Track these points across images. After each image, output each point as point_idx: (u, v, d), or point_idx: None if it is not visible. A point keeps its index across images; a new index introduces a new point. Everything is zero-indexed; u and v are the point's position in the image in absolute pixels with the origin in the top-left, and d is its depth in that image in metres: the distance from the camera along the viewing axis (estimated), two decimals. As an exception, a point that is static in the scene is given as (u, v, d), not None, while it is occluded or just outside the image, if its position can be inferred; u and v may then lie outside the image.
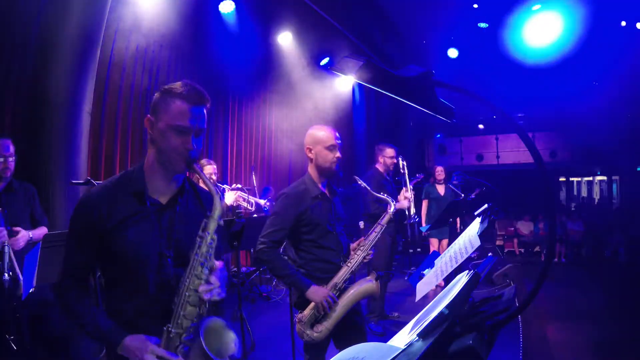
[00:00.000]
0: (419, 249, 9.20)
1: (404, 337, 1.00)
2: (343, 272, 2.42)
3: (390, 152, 4.77)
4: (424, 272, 2.11)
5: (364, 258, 2.51)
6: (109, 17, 4.08)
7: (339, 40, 8.08)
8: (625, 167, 12.31)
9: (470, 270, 1.08)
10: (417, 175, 6.84)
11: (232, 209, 5.36)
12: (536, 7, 8.57)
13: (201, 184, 1.67)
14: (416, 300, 1.91)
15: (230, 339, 1.37)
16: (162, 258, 1.41)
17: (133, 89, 5.26)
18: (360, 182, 3.17)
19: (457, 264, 1.76)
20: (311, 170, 2.51)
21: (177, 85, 1.41)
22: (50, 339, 2.99)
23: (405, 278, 6.71)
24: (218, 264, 1.41)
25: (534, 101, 10.98)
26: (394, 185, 4.98)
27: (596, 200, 16.62)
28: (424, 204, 6.79)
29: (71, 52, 3.56)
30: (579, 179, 17.07)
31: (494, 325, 0.92)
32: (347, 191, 6.73)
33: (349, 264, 2.45)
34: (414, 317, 1.08)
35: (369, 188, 3.15)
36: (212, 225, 1.37)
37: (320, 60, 8.18)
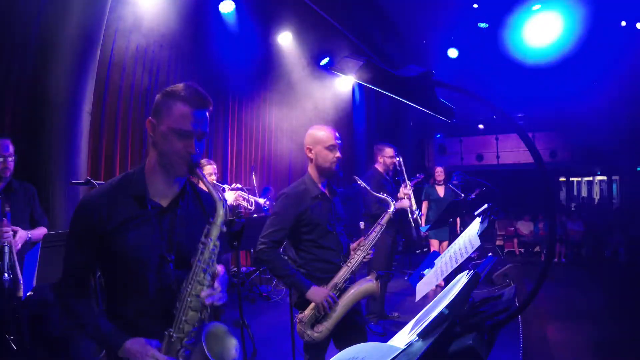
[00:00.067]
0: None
1: (404, 337, 1.00)
2: (343, 272, 2.42)
3: (389, 151, 4.77)
4: (424, 272, 2.11)
5: (364, 258, 2.51)
6: (109, 17, 4.09)
7: (339, 40, 8.08)
8: (625, 167, 12.31)
9: (470, 270, 1.08)
10: (417, 175, 6.84)
11: (232, 209, 5.36)
12: (536, 7, 8.57)
13: (201, 185, 1.67)
14: (416, 300, 1.91)
15: (232, 345, 1.37)
16: (162, 261, 1.41)
17: (133, 89, 5.26)
18: (360, 182, 3.17)
19: (457, 264, 1.76)
20: (311, 170, 2.51)
21: (180, 88, 1.39)
22: (50, 339, 2.99)
23: (405, 278, 6.71)
24: (220, 269, 1.40)
25: (534, 101, 10.98)
26: (393, 185, 4.99)
27: (596, 200, 16.62)
28: (424, 205, 6.79)
29: (71, 52, 3.56)
30: (579, 179, 17.08)
31: (494, 325, 0.92)
32: (347, 191, 6.73)
33: (349, 264, 2.45)
34: (414, 317, 1.08)
35: (368, 188, 3.15)
36: (215, 232, 1.36)
37: (320, 60, 8.18)
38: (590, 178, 17.04)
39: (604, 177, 15.87)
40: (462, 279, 1.05)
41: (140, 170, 1.46)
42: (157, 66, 5.56)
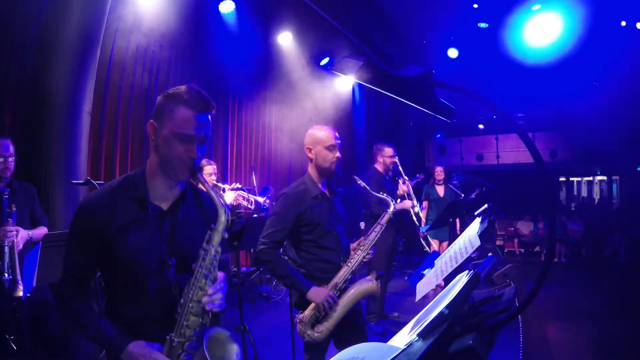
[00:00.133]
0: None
1: (404, 337, 1.00)
2: (343, 272, 2.43)
3: (389, 151, 4.77)
4: (424, 272, 2.11)
5: (364, 258, 2.51)
6: (109, 17, 4.08)
7: (339, 40, 8.08)
8: (625, 167, 12.31)
9: (470, 270, 1.08)
10: (417, 175, 6.84)
11: (231, 209, 5.36)
12: (536, 7, 8.57)
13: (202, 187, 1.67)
14: (416, 300, 1.91)
15: (233, 351, 1.37)
16: (163, 264, 1.40)
17: (133, 89, 5.25)
18: (359, 182, 3.17)
19: (457, 264, 1.76)
20: (311, 170, 2.51)
21: (182, 91, 1.37)
22: (50, 339, 2.99)
23: (405, 278, 6.71)
24: (220, 275, 1.40)
25: (534, 101, 10.98)
26: (393, 185, 4.99)
27: (596, 200, 16.62)
28: (424, 205, 6.79)
29: (71, 52, 3.56)
30: (579, 179, 17.08)
31: (494, 325, 0.92)
32: (347, 191, 6.73)
33: (349, 264, 2.45)
34: (414, 317, 1.08)
35: (368, 188, 3.15)
36: (217, 238, 1.36)
37: (320, 60, 8.17)
38: (590, 178, 17.04)
39: (604, 177, 15.88)
40: (462, 279, 1.05)
41: (141, 172, 1.45)
42: (157, 66, 5.56)
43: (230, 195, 5.12)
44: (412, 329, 1.00)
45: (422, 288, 1.91)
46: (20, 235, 2.79)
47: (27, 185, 3.05)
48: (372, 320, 4.63)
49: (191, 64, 6.15)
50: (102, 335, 1.34)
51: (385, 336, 4.40)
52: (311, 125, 2.59)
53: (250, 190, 5.75)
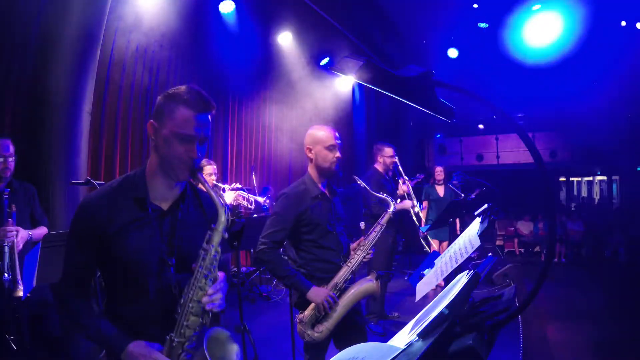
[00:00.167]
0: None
1: (404, 337, 1.00)
2: (343, 272, 2.43)
3: (389, 151, 4.77)
4: (424, 272, 2.11)
5: (364, 258, 2.51)
6: (109, 17, 4.08)
7: (339, 40, 8.08)
8: (625, 167, 12.31)
9: (470, 270, 1.08)
10: (417, 175, 6.83)
11: (231, 209, 5.36)
12: (536, 7, 8.57)
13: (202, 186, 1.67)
14: (416, 300, 1.91)
15: (233, 351, 1.37)
16: (163, 264, 1.40)
17: (133, 89, 5.25)
18: (359, 182, 3.17)
19: (457, 264, 1.76)
20: (311, 170, 2.51)
21: (182, 91, 1.37)
22: (50, 339, 2.99)
23: (405, 278, 6.71)
24: (220, 275, 1.40)
25: (534, 101, 10.99)
26: (393, 185, 4.99)
27: (596, 200, 16.63)
28: (424, 205, 6.79)
29: (71, 52, 3.56)
30: (579, 179, 17.08)
31: (494, 325, 0.92)
32: (347, 191, 6.73)
33: (349, 264, 2.45)
34: (414, 317, 1.08)
35: (368, 188, 3.15)
36: (217, 238, 1.36)
37: (320, 60, 8.17)
38: (590, 178, 17.05)
39: (604, 177, 15.88)
40: (462, 279, 1.05)
41: (141, 172, 1.45)
42: (157, 66, 5.56)
43: (230, 195, 5.12)
44: (412, 329, 1.00)
45: (422, 288, 1.91)
46: (20, 235, 2.79)
47: (27, 185, 3.05)
48: (372, 320, 4.63)
49: (191, 64, 6.15)
50: (102, 335, 1.34)
51: (385, 336, 4.40)
52: (311, 125, 2.59)
53: (250, 190, 5.75)
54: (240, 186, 5.32)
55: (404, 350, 0.91)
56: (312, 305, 2.35)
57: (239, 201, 5.40)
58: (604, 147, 11.01)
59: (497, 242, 10.77)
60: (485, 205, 2.11)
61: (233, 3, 6.17)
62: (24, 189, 3.01)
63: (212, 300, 1.34)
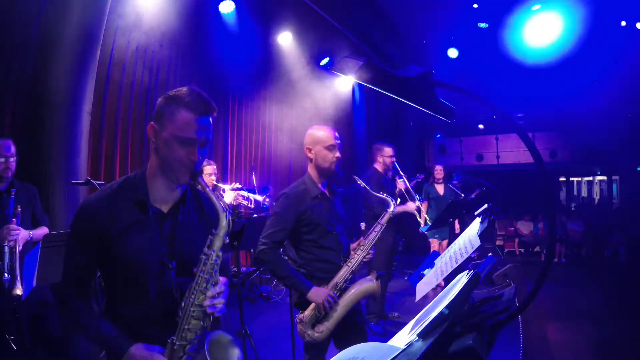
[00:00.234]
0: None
1: (404, 337, 1.00)
2: (343, 272, 2.43)
3: (389, 151, 4.77)
4: (424, 272, 2.11)
5: (364, 258, 2.51)
6: (109, 17, 4.08)
7: (339, 40, 8.08)
8: (625, 167, 12.31)
9: (470, 270, 1.08)
10: (417, 175, 6.83)
11: (232, 209, 5.36)
12: (536, 7, 8.57)
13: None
14: (416, 300, 1.92)
15: (235, 355, 1.37)
16: (163, 267, 1.40)
17: (133, 88, 5.25)
18: (359, 181, 3.17)
19: (457, 264, 1.76)
20: (311, 170, 2.51)
21: (183, 93, 1.36)
22: (50, 339, 2.98)
23: (405, 278, 6.71)
24: (222, 279, 1.40)
25: (534, 101, 10.99)
26: (393, 185, 4.99)
27: (596, 200, 16.63)
28: (424, 204, 6.78)
29: (71, 52, 3.55)
30: (579, 179, 17.09)
31: (494, 325, 0.92)
32: (347, 191, 6.73)
33: (349, 264, 2.45)
34: (414, 317, 1.08)
35: (368, 188, 3.15)
36: (218, 243, 1.35)
37: (320, 60, 8.17)
38: (590, 178, 17.05)
39: (604, 177, 15.88)
40: (462, 279, 1.05)
41: (142, 174, 1.44)
42: (157, 65, 5.56)
43: (230, 195, 5.13)
44: (412, 329, 1.00)
45: (422, 288, 1.91)
46: (21, 235, 2.80)
47: (28, 186, 3.05)
48: (372, 320, 4.63)
49: (191, 64, 6.15)
50: (102, 336, 1.34)
51: (385, 336, 4.40)
52: (311, 125, 2.59)
53: (251, 190, 5.75)
54: (240, 186, 5.32)
55: (404, 350, 0.91)
56: (312, 305, 2.35)
57: (239, 200, 5.41)
58: (604, 147, 11.00)
59: (497, 242, 10.76)
60: (485, 205, 2.11)
61: (233, 3, 6.17)
62: (25, 189, 3.01)
63: (214, 304, 1.34)
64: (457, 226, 5.89)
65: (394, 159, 4.82)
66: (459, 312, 0.93)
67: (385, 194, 2.95)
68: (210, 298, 1.34)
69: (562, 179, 15.81)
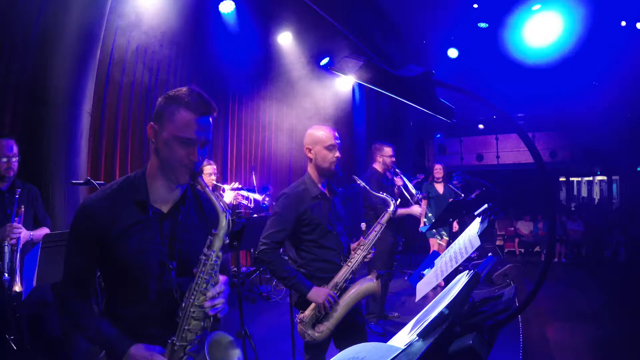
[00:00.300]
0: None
1: (404, 337, 1.00)
2: (344, 272, 2.43)
3: (388, 150, 4.76)
4: (424, 272, 2.12)
5: (365, 257, 2.51)
6: (109, 16, 4.08)
7: (339, 40, 8.07)
8: (625, 167, 12.32)
9: (470, 270, 1.08)
10: (418, 175, 6.82)
11: (232, 209, 5.36)
12: (536, 7, 8.57)
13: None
14: (416, 300, 1.92)
15: (235, 356, 1.37)
16: (163, 267, 1.40)
17: (133, 88, 5.26)
18: (359, 181, 3.17)
19: (457, 264, 1.76)
20: (311, 170, 2.51)
21: (183, 93, 1.36)
22: (50, 339, 2.98)
23: (405, 278, 6.71)
24: (222, 279, 1.40)
25: (534, 101, 10.99)
26: (393, 185, 4.98)
27: (596, 200, 16.63)
28: (423, 203, 6.77)
29: (71, 52, 3.55)
30: (579, 179, 17.09)
31: (494, 325, 0.92)
32: (347, 191, 6.73)
33: (349, 264, 2.45)
34: (414, 317, 1.08)
35: (368, 188, 3.15)
36: (217, 244, 1.35)
37: (320, 60, 8.17)
38: (590, 178, 17.06)
39: (604, 177, 15.89)
40: (462, 279, 1.05)
41: (142, 174, 1.44)
42: (157, 65, 5.56)
43: (230, 195, 5.13)
44: (412, 329, 1.00)
45: (422, 288, 1.91)
46: (22, 235, 2.80)
47: (30, 186, 3.05)
48: (372, 320, 4.63)
49: (192, 64, 6.15)
50: (102, 336, 1.34)
51: (385, 336, 4.40)
52: (311, 125, 2.59)
53: (251, 190, 5.75)
54: (240, 186, 5.32)
55: (404, 350, 0.91)
56: (313, 305, 2.35)
57: (239, 200, 5.41)
58: (604, 147, 11.00)
59: (497, 242, 10.76)
60: (485, 205, 2.11)
61: (233, 3, 6.17)
62: (27, 190, 3.01)
63: (214, 305, 1.34)
64: (455, 226, 5.88)
65: (393, 159, 4.81)
66: (459, 312, 0.93)
67: (385, 194, 2.95)
68: (210, 299, 1.34)
69: (562, 179, 15.81)
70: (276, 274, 2.42)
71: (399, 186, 5.11)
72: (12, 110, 3.73)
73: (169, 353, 1.32)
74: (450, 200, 5.53)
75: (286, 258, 2.57)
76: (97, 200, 1.39)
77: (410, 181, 5.61)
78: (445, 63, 10.09)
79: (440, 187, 6.61)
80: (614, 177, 14.82)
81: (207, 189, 1.37)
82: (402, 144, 11.19)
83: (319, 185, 2.48)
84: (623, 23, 8.51)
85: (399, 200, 5.08)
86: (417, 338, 0.92)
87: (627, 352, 4.29)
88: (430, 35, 10.20)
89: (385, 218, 2.71)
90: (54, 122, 3.51)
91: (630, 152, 11.09)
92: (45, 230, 2.97)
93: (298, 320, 2.40)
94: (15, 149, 2.91)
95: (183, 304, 1.34)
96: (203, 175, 1.43)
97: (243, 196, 5.46)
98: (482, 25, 9.21)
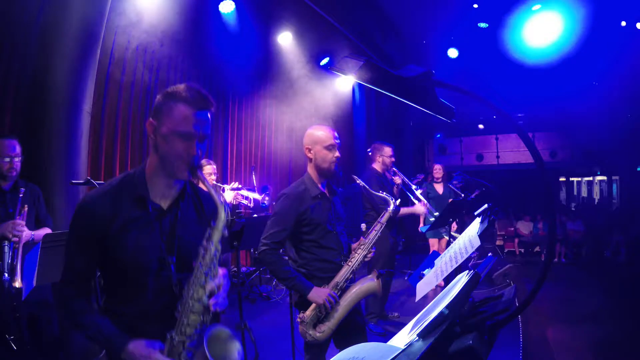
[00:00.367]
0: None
1: (404, 337, 1.00)
2: (344, 271, 2.43)
3: (388, 150, 4.76)
4: (424, 272, 2.12)
5: (365, 257, 2.51)
6: (109, 16, 4.08)
7: (339, 40, 8.08)
8: (625, 167, 12.31)
9: (470, 270, 1.08)
10: (418, 175, 6.82)
11: (232, 208, 5.36)
12: (536, 7, 8.57)
13: (202, 186, 1.67)
14: (416, 300, 1.92)
15: (235, 349, 1.37)
16: (163, 263, 1.40)
17: (133, 88, 5.25)
18: (358, 181, 3.17)
19: (457, 264, 1.76)
20: (310, 170, 2.51)
21: (181, 89, 1.38)
22: (50, 339, 2.98)
23: (405, 278, 6.70)
24: (222, 271, 1.40)
25: (534, 101, 10.99)
26: (393, 184, 4.98)
27: (596, 200, 16.62)
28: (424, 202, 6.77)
29: (71, 51, 3.55)
30: (579, 179, 17.08)
31: (494, 325, 0.92)
32: (347, 191, 6.73)
33: (349, 263, 2.45)
34: (414, 317, 1.08)
35: (367, 187, 3.15)
36: (216, 236, 1.36)
37: (320, 60, 8.17)
38: (590, 178, 17.05)
39: (604, 177, 15.88)
40: (462, 279, 1.05)
41: (141, 171, 1.45)
42: (157, 65, 5.56)
43: (230, 195, 5.13)
44: (412, 329, 1.00)
45: (422, 288, 1.91)
46: (25, 234, 2.80)
47: (32, 186, 3.06)
48: (371, 321, 4.63)
49: (192, 64, 6.15)
50: (102, 334, 1.34)
51: (386, 336, 4.39)
52: (311, 125, 2.59)
53: (250, 190, 5.75)
54: (240, 186, 5.32)
55: (404, 350, 0.91)
56: (314, 305, 2.35)
57: (239, 200, 5.41)
58: (604, 147, 11.01)
59: (497, 242, 10.76)
60: (485, 205, 2.11)
61: (233, 3, 6.17)
62: (30, 190, 3.02)
63: (214, 301, 1.34)
64: (454, 226, 5.88)
65: (393, 159, 4.81)
66: (459, 312, 0.93)
67: (385, 193, 2.95)
68: (210, 292, 1.34)
69: (562, 179, 15.81)
70: (277, 275, 2.42)
71: (398, 185, 5.10)
72: (12, 110, 3.73)
73: (168, 348, 1.32)
74: (450, 200, 5.54)
75: (286, 258, 2.57)
76: (97, 196, 1.39)
77: (410, 181, 5.60)
78: (445, 63, 10.09)
79: (439, 188, 6.61)
80: (614, 177, 14.82)
81: (205, 182, 1.38)
82: (402, 144, 11.20)
83: (319, 185, 2.48)
84: (623, 23, 8.51)
85: (399, 200, 5.08)
86: (417, 338, 0.92)
87: (627, 352, 4.29)
88: (430, 35, 10.20)
89: (385, 217, 2.71)
90: (54, 122, 3.50)
91: (630, 152, 11.09)
92: (47, 231, 2.98)
93: (299, 321, 2.40)
94: (18, 149, 2.93)
95: (182, 298, 1.34)
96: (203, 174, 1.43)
97: (243, 196, 5.46)
98: (482, 25, 9.21)
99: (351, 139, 9.80)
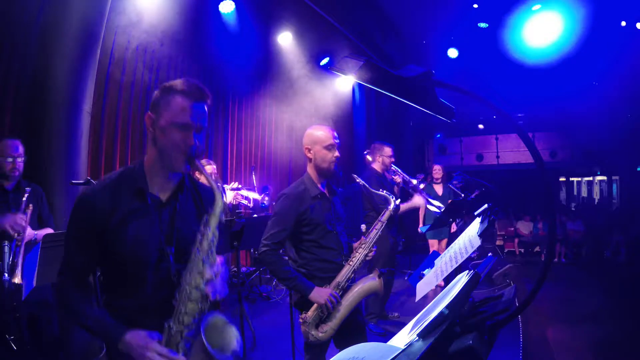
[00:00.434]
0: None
1: (404, 337, 1.00)
2: (345, 271, 2.43)
3: (388, 150, 4.75)
4: (424, 272, 2.11)
5: (366, 256, 2.51)
6: (109, 16, 4.08)
7: (339, 40, 8.08)
8: (625, 167, 12.31)
9: (470, 270, 1.08)
10: (417, 175, 6.82)
11: (232, 208, 5.36)
12: (536, 7, 8.57)
13: (201, 180, 1.67)
14: (416, 300, 1.92)
15: (232, 336, 1.37)
16: (162, 254, 1.41)
17: (133, 88, 5.25)
18: (358, 180, 3.17)
19: (457, 264, 1.76)
20: (310, 170, 2.51)
21: (178, 83, 1.41)
22: (50, 339, 2.98)
23: (405, 278, 6.70)
24: (219, 259, 1.40)
25: (534, 101, 10.99)
26: (392, 184, 4.98)
27: (596, 200, 16.62)
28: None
29: (71, 51, 3.56)
30: (579, 179, 17.08)
31: (494, 325, 0.92)
32: (347, 191, 6.72)
33: (350, 263, 2.45)
34: (414, 317, 1.08)
35: (367, 186, 3.15)
36: (214, 222, 1.37)
37: (320, 60, 8.17)
38: (590, 178, 17.04)
39: (604, 177, 15.87)
40: (462, 279, 1.05)
41: (140, 164, 1.47)
42: (157, 65, 5.56)
43: (230, 195, 5.13)
44: (412, 329, 1.00)
45: (422, 288, 1.91)
46: (27, 233, 2.81)
47: (35, 187, 3.07)
48: (371, 321, 4.63)
49: (192, 63, 6.15)
50: (99, 325, 1.34)
51: (386, 336, 4.39)
52: (311, 125, 2.59)
53: (250, 189, 5.75)
54: (240, 186, 5.32)
55: (404, 350, 0.91)
56: (315, 305, 2.35)
57: (239, 200, 5.41)
58: (604, 147, 11.00)
59: (497, 242, 10.75)
60: (485, 205, 2.11)
61: (233, 3, 6.17)
62: (33, 190, 3.02)
63: (213, 289, 1.34)
64: (454, 226, 5.88)
65: (393, 159, 4.80)
66: (459, 312, 0.93)
67: (385, 192, 2.95)
68: (207, 280, 1.34)
69: (562, 179, 15.81)
70: (277, 275, 2.42)
71: (399, 184, 5.09)
72: (12, 110, 3.73)
73: (166, 338, 1.32)
74: (450, 200, 5.54)
75: (286, 258, 2.57)
76: (97, 190, 1.40)
77: (410, 177, 5.59)
78: (445, 63, 10.09)
79: (439, 188, 6.61)
80: (614, 177, 14.81)
81: (204, 171, 1.39)
82: (402, 144, 11.20)
83: (319, 185, 2.48)
84: (623, 23, 8.51)
85: (399, 200, 5.07)
86: (417, 338, 0.92)
87: (627, 352, 4.29)
88: (430, 35, 10.20)
89: (386, 216, 2.71)
90: (54, 122, 3.51)
91: (630, 152, 11.09)
92: (49, 231, 2.99)
93: (301, 321, 2.40)
94: (20, 149, 2.95)
95: (180, 286, 1.34)
96: (203, 174, 1.44)
97: (243, 196, 5.46)
98: (482, 25, 9.21)
99: (351, 139, 9.80)
